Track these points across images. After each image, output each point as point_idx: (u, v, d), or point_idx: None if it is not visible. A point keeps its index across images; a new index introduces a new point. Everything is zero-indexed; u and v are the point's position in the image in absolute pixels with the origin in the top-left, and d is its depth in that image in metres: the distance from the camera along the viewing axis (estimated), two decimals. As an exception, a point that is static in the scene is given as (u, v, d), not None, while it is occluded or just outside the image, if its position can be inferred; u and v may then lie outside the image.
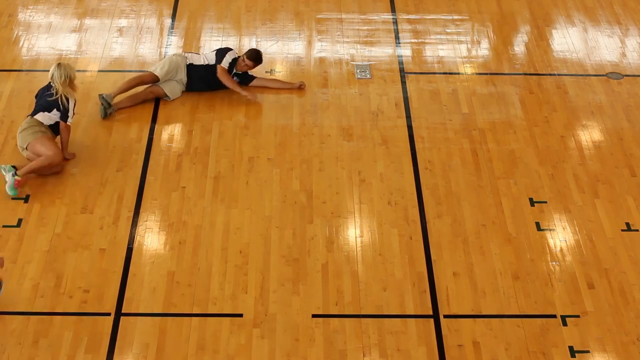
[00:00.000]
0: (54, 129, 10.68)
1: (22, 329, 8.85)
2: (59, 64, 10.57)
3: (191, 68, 11.73)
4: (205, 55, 11.88)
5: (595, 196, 10.48)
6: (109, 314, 9.00)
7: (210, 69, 11.71)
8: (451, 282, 9.42)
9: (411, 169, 10.78)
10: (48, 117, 10.54)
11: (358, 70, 12.37)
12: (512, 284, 9.40)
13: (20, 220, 9.94)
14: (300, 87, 11.98)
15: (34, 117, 10.57)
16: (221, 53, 11.71)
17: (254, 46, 12.65)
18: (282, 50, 12.73)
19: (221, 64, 11.60)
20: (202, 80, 11.74)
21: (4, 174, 10.19)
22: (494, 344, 8.80)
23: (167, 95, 11.70)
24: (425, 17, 13.48)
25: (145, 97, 11.66)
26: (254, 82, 11.93)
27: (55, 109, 10.51)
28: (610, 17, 13.56)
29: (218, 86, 11.80)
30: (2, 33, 13.00)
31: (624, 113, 11.75)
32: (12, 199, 10.13)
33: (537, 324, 9.03)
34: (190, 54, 11.90)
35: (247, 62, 11.73)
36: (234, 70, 11.78)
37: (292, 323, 8.96)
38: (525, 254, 9.76)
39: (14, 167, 10.22)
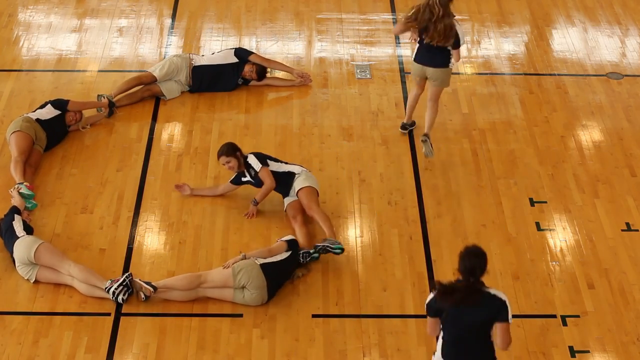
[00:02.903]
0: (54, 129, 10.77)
1: (22, 329, 8.85)
2: None
3: (198, 69, 11.74)
4: (212, 55, 11.93)
5: (595, 196, 10.48)
6: (109, 314, 8.99)
7: (218, 69, 11.75)
8: (451, 282, 9.40)
9: (411, 169, 10.78)
10: None
11: (358, 70, 12.36)
12: (512, 284, 9.39)
13: (20, 220, 9.94)
14: (303, 79, 11.96)
15: None
16: (240, 52, 11.91)
17: (253, 46, 12.67)
18: (282, 50, 12.73)
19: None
20: (210, 80, 11.75)
21: (17, 191, 10.01)
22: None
23: (163, 95, 11.71)
24: (425, 17, 13.46)
25: (142, 95, 11.69)
26: (254, 82, 11.96)
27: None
28: (610, 17, 13.56)
29: (225, 86, 11.83)
30: (2, 33, 13.00)
31: (624, 113, 11.75)
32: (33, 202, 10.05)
33: (537, 324, 9.02)
34: (195, 56, 11.91)
35: (254, 74, 11.85)
36: (240, 75, 11.84)
37: (292, 323, 8.96)
38: (525, 254, 9.75)
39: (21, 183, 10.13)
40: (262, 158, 9.98)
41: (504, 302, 7.15)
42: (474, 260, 7.20)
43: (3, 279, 9.33)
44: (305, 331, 8.89)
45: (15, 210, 9.60)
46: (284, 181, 9.97)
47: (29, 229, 9.47)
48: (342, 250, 9.43)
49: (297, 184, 9.91)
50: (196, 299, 9.10)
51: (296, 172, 10.00)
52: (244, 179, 10.10)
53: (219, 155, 9.98)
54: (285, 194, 10.01)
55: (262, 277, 8.94)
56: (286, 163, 10.14)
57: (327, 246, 9.39)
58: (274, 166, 10.00)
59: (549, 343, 8.82)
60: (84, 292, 9.09)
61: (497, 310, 7.14)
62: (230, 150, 9.94)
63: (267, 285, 8.98)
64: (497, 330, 7.23)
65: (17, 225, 9.38)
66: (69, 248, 9.64)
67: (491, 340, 7.30)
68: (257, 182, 10.04)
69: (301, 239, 9.60)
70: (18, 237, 9.27)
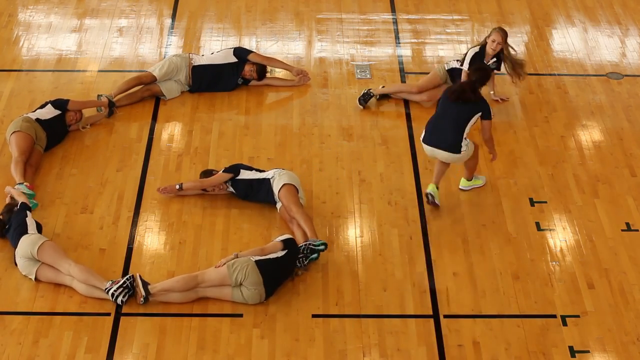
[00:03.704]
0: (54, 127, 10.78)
1: (22, 329, 8.85)
2: None
3: (198, 69, 11.74)
4: (211, 55, 11.93)
5: (595, 196, 10.48)
6: (109, 314, 8.99)
7: (217, 69, 11.75)
8: (451, 282, 9.40)
9: (411, 169, 10.78)
10: None
11: (358, 70, 12.36)
12: (512, 284, 9.39)
13: (20, 220, 9.93)
14: (303, 77, 11.97)
15: None
16: (240, 51, 11.87)
17: (253, 46, 12.67)
18: (282, 50, 12.73)
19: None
20: (210, 80, 11.75)
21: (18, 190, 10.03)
22: (494, 344, 8.80)
23: (163, 95, 11.72)
24: (425, 17, 13.48)
25: (142, 94, 11.69)
26: (254, 82, 11.96)
27: None
28: (610, 17, 13.56)
29: (225, 86, 11.83)
30: (2, 33, 13.00)
31: (624, 113, 11.75)
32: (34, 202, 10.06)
33: (537, 324, 9.02)
34: (195, 55, 11.91)
35: (254, 74, 11.85)
36: (240, 74, 11.84)
37: (292, 323, 8.96)
38: (525, 254, 9.75)
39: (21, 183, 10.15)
40: (234, 168, 10.15)
41: (487, 105, 9.98)
42: (480, 72, 10.15)
43: (3, 279, 9.33)
44: (305, 331, 8.89)
45: (25, 207, 9.60)
46: (263, 189, 10.06)
47: (39, 227, 9.49)
48: (326, 246, 9.48)
49: (275, 188, 9.97)
50: (196, 299, 9.10)
51: (269, 177, 10.08)
52: (228, 190, 10.25)
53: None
54: (272, 200, 10.06)
55: (258, 273, 8.95)
56: (259, 171, 10.20)
57: (310, 244, 9.41)
58: (246, 174, 10.14)
59: (549, 343, 8.82)
60: (83, 292, 9.09)
61: (482, 109, 9.95)
62: (208, 175, 10.24)
63: (264, 281, 8.98)
64: (482, 126, 10.03)
65: (30, 222, 9.40)
66: (69, 248, 9.64)
67: (465, 130, 9.86)
68: (238, 192, 10.16)
69: (300, 239, 9.60)
70: (27, 234, 9.28)
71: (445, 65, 11.69)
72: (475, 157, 10.19)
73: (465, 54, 11.45)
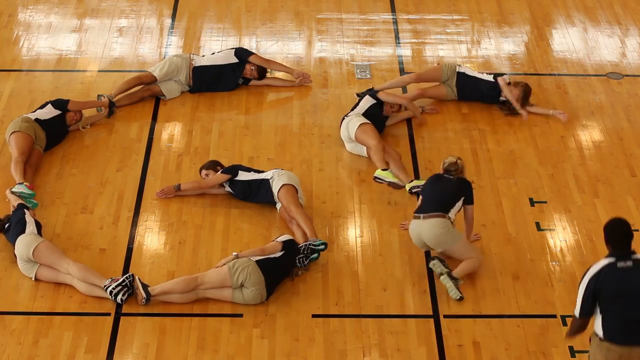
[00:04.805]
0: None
1: (22, 329, 8.85)
2: None
3: (199, 70, 11.73)
4: (212, 55, 11.93)
5: (595, 196, 10.48)
6: (109, 314, 8.99)
7: (218, 70, 11.75)
8: (451, 282, 9.40)
9: (411, 169, 10.77)
10: None
11: (358, 70, 12.36)
12: (512, 284, 9.39)
13: (20, 220, 9.94)
14: (303, 78, 11.97)
15: None
16: (240, 52, 11.87)
17: (253, 46, 12.67)
18: (282, 50, 12.74)
19: None
20: (211, 80, 11.75)
21: (18, 191, 10.03)
22: (494, 344, 8.80)
23: (163, 95, 11.72)
24: (425, 17, 13.48)
25: (143, 95, 11.69)
26: (254, 81, 11.96)
27: None
28: (610, 17, 13.56)
29: (225, 86, 11.83)
30: (2, 33, 13.01)
31: (624, 113, 11.75)
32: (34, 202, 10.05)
33: (537, 324, 9.02)
34: (195, 56, 11.90)
35: (255, 73, 11.86)
36: (241, 75, 11.84)
37: (292, 323, 8.96)
38: (525, 254, 9.75)
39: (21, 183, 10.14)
40: (232, 169, 10.16)
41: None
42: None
43: (3, 279, 9.33)
44: (305, 331, 8.89)
45: (23, 205, 9.63)
46: (263, 189, 10.07)
47: (38, 225, 9.51)
48: (326, 246, 9.49)
49: (274, 188, 9.97)
50: (197, 300, 9.10)
51: (268, 177, 10.08)
52: (226, 190, 10.24)
53: (201, 168, 10.35)
54: (271, 201, 10.06)
55: (259, 273, 8.95)
56: (258, 172, 10.21)
57: (310, 244, 9.42)
58: (245, 175, 10.15)
59: (549, 343, 8.82)
60: (83, 291, 9.10)
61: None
62: (212, 165, 10.28)
63: (265, 281, 8.98)
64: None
65: (29, 220, 9.41)
66: (69, 248, 9.64)
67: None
68: (237, 193, 10.18)
69: (300, 239, 9.61)
70: (24, 233, 9.29)
71: (458, 67, 11.67)
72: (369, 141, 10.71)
73: (492, 73, 11.71)
